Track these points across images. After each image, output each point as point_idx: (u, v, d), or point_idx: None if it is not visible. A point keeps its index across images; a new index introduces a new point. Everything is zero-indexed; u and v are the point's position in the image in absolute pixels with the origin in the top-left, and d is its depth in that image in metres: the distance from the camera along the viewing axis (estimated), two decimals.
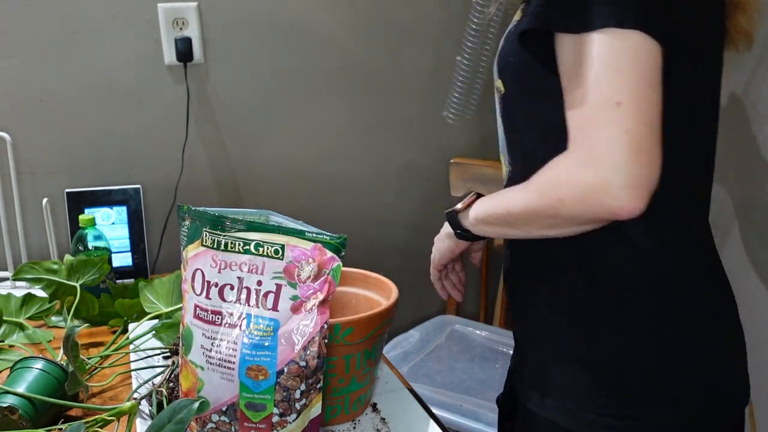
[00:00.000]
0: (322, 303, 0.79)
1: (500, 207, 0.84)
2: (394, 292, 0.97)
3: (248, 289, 0.80)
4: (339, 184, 1.78)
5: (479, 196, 0.92)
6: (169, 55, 1.55)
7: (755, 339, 1.57)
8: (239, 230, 0.81)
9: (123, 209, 1.53)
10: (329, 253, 0.79)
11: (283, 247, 0.80)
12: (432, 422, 0.93)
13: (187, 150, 1.61)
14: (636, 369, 0.83)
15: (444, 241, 1.02)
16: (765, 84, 1.47)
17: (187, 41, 1.54)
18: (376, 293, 1.01)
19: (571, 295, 0.85)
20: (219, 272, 0.81)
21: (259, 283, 0.79)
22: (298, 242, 0.80)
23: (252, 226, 0.81)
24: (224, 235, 0.81)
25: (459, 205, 0.94)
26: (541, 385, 0.90)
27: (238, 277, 0.80)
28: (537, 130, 0.85)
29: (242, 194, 1.69)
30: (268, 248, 0.80)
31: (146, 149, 1.60)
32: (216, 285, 0.81)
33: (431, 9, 1.74)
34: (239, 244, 0.80)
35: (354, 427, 0.93)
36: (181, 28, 1.55)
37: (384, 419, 0.95)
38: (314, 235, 0.80)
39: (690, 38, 0.78)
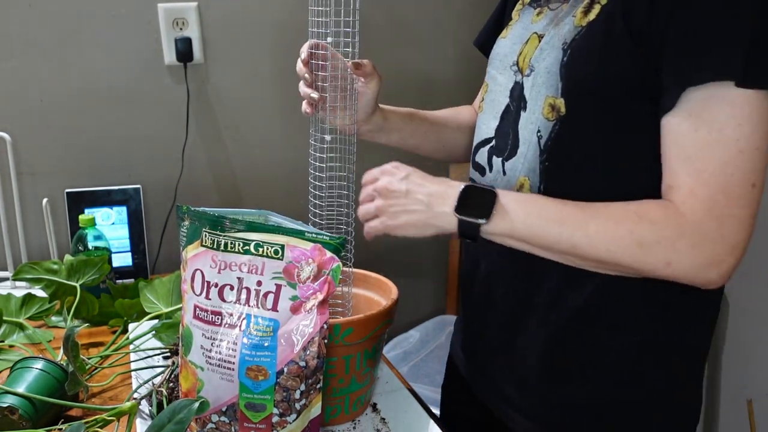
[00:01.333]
0: (322, 303, 0.79)
1: (564, 235, 0.75)
2: (394, 292, 0.97)
3: (248, 290, 0.80)
4: (339, 183, 1.78)
5: (490, 189, 0.80)
6: (169, 55, 1.55)
7: (755, 339, 1.58)
8: (239, 230, 0.81)
9: (123, 209, 1.53)
10: (329, 254, 0.79)
11: (282, 247, 0.80)
12: (432, 422, 0.93)
13: (187, 150, 1.61)
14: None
15: (429, 224, 0.82)
16: None
17: (187, 41, 1.54)
18: (376, 293, 1.01)
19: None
20: (219, 272, 0.81)
21: (259, 283, 0.79)
22: (297, 242, 0.80)
23: (252, 227, 0.81)
24: (224, 236, 0.81)
25: (482, 220, 0.77)
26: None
27: (238, 278, 0.80)
28: (602, 162, 0.78)
29: (242, 194, 1.69)
30: (267, 248, 0.80)
31: (146, 149, 1.60)
32: (216, 285, 0.81)
33: (431, 9, 1.74)
34: (239, 245, 0.80)
35: (354, 427, 0.93)
36: (181, 28, 1.55)
37: (384, 419, 0.95)
38: (314, 235, 0.80)
39: None
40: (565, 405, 0.86)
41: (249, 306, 0.79)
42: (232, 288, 0.80)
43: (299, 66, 0.95)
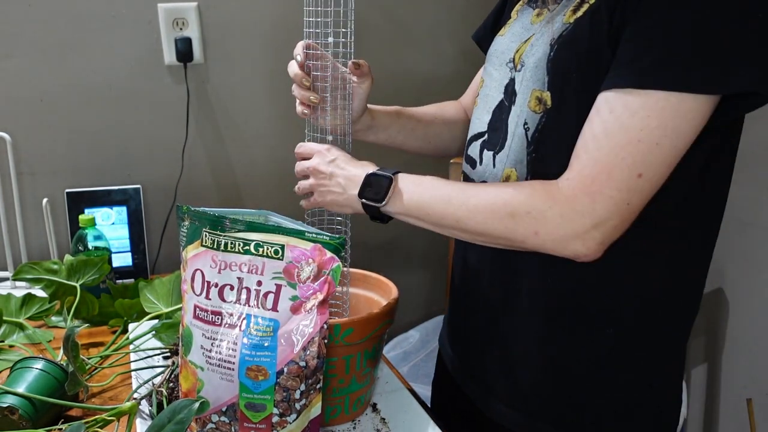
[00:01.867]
0: (322, 303, 0.79)
1: (449, 210, 0.83)
2: (394, 292, 0.97)
3: (248, 290, 0.80)
4: None
5: (394, 173, 0.88)
6: (169, 55, 1.55)
7: (755, 339, 1.58)
8: (239, 230, 0.81)
9: (123, 209, 1.53)
10: (329, 254, 0.79)
11: (282, 247, 0.80)
12: (432, 422, 0.93)
13: (187, 150, 1.61)
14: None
15: (336, 203, 0.92)
16: None
17: (187, 41, 1.54)
18: (376, 293, 1.01)
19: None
20: (219, 272, 0.81)
21: (259, 283, 0.79)
22: (297, 242, 0.80)
23: (252, 227, 0.81)
24: (224, 236, 0.81)
25: (385, 201, 0.87)
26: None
27: (238, 278, 0.80)
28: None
29: (242, 194, 1.69)
30: (267, 248, 0.80)
31: (146, 149, 1.60)
32: (216, 285, 0.81)
33: (431, 9, 1.74)
34: (239, 245, 0.80)
35: (354, 428, 0.93)
36: (181, 29, 1.55)
37: (384, 419, 0.95)
38: (314, 235, 0.80)
39: None
40: (551, 396, 0.87)
41: (249, 306, 0.79)
42: (232, 288, 0.80)
43: (294, 69, 0.97)
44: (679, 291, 0.85)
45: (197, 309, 0.81)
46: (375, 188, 0.88)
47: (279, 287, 0.79)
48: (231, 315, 0.80)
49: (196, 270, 0.82)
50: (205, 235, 0.82)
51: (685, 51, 0.69)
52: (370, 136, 1.07)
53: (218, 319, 0.80)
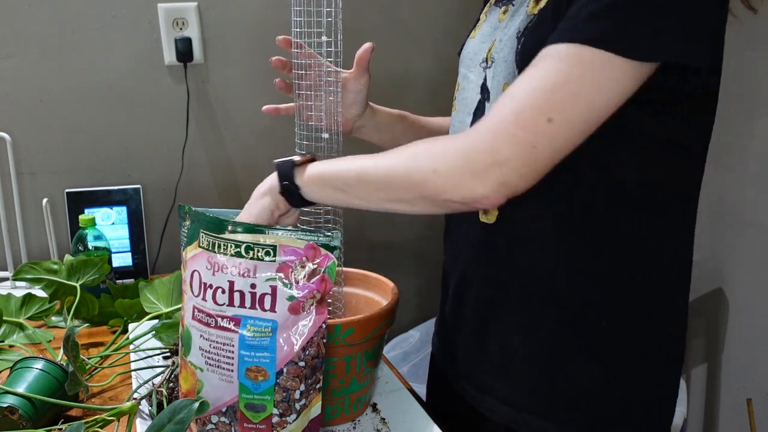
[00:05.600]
0: (320, 302, 0.79)
1: (351, 168, 0.80)
2: (394, 292, 0.97)
3: (241, 293, 0.79)
4: None
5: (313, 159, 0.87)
6: (169, 55, 1.55)
7: (755, 339, 1.58)
8: (233, 231, 0.81)
9: (123, 209, 1.53)
10: (323, 251, 0.79)
11: (275, 248, 0.79)
12: (432, 422, 0.93)
13: (187, 150, 1.61)
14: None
15: (261, 200, 0.88)
16: None
17: (187, 41, 1.54)
18: (376, 293, 1.01)
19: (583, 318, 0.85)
20: (213, 275, 0.80)
21: (253, 286, 0.79)
22: (289, 242, 0.80)
23: (248, 228, 0.81)
24: (217, 237, 0.81)
25: (297, 158, 0.85)
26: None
27: (229, 281, 0.79)
28: None
29: (242, 194, 1.69)
30: (258, 251, 0.79)
31: (146, 149, 1.60)
32: (211, 287, 0.80)
33: (431, 9, 1.74)
34: (231, 246, 0.80)
35: (354, 428, 0.93)
36: (181, 28, 1.55)
37: (384, 419, 0.95)
38: (307, 234, 0.80)
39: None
40: (547, 391, 0.87)
41: (244, 308, 0.79)
42: (223, 291, 0.80)
43: (278, 63, 1.00)
44: (669, 281, 0.85)
45: (196, 310, 0.81)
46: (284, 169, 0.86)
47: (274, 288, 0.79)
48: (224, 318, 0.79)
49: (194, 271, 0.82)
50: (202, 236, 0.82)
51: (619, 15, 0.69)
52: (375, 135, 1.07)
53: (213, 321, 0.80)
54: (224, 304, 0.79)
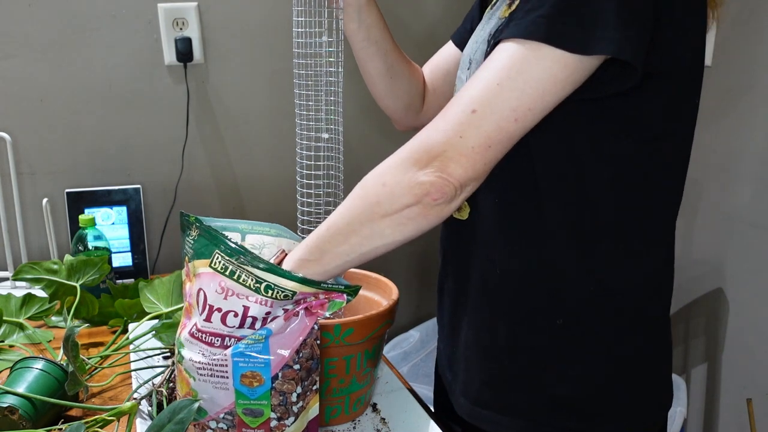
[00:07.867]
0: (310, 308, 0.79)
1: (320, 229, 0.78)
2: (394, 292, 0.97)
3: (254, 318, 0.77)
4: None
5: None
6: (169, 55, 1.55)
7: (755, 339, 1.58)
8: (254, 267, 0.76)
9: (123, 209, 1.53)
10: (338, 293, 0.79)
11: (294, 293, 0.77)
12: (432, 422, 0.94)
13: (187, 150, 1.61)
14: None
15: None
16: None
17: (187, 41, 1.54)
18: (376, 293, 1.01)
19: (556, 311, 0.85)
20: (225, 299, 0.77)
21: (267, 313, 0.77)
22: (310, 290, 0.77)
23: (271, 269, 0.76)
24: (238, 266, 0.77)
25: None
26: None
27: (244, 306, 0.77)
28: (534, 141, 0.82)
29: (242, 194, 1.69)
30: (278, 292, 0.76)
31: (146, 149, 1.60)
32: (219, 310, 0.77)
33: (431, 9, 1.74)
34: (252, 281, 0.76)
35: (354, 428, 0.93)
36: (181, 28, 1.55)
37: (384, 419, 0.95)
38: (330, 284, 0.78)
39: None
40: (502, 385, 0.88)
41: (254, 329, 0.78)
42: (236, 315, 0.77)
43: None
44: (638, 282, 0.84)
45: (195, 328, 0.79)
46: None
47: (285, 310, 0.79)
48: (231, 338, 0.77)
49: (200, 290, 0.79)
50: (217, 258, 0.78)
51: (554, 11, 0.71)
52: (356, 22, 1.06)
53: (217, 340, 0.78)
54: (235, 326, 0.77)
